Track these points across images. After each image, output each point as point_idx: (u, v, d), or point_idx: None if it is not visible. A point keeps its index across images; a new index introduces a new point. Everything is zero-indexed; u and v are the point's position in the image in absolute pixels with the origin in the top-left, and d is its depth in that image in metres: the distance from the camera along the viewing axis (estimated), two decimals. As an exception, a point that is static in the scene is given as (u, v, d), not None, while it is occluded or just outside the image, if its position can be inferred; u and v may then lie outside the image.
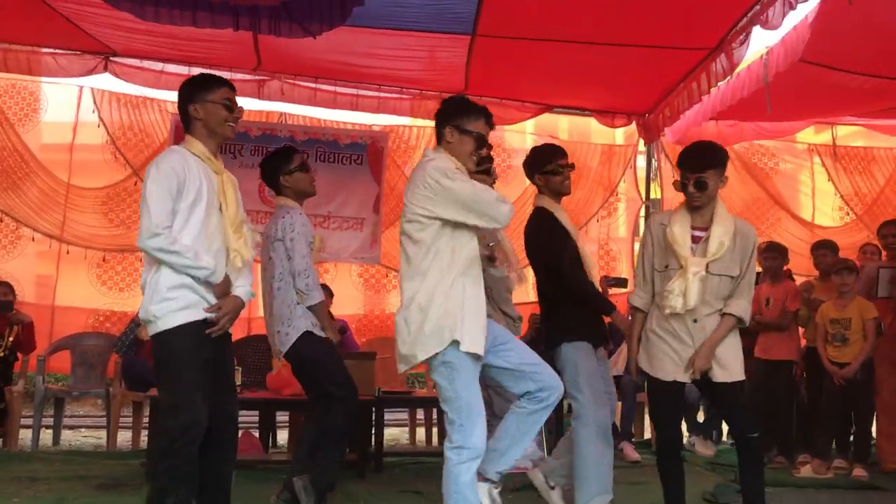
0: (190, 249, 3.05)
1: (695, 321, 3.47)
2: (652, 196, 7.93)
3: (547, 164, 4.15)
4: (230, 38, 5.54)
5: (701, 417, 6.89)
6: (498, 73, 6.47)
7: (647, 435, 6.90)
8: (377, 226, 7.36)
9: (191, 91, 3.27)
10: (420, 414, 7.17)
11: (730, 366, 3.49)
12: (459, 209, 3.18)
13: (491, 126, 3.45)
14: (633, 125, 7.51)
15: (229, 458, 3.26)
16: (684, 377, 3.49)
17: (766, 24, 4.71)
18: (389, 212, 7.40)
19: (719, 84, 5.77)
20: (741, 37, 5.15)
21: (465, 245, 3.24)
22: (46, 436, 6.44)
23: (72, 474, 4.95)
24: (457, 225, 3.21)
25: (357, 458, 5.22)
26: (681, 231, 3.52)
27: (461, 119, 3.36)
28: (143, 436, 6.21)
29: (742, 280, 3.53)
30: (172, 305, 3.06)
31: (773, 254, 6.09)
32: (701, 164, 3.53)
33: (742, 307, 3.51)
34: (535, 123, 7.83)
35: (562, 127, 8.13)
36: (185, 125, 3.29)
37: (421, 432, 7.17)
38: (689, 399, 6.44)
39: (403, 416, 7.54)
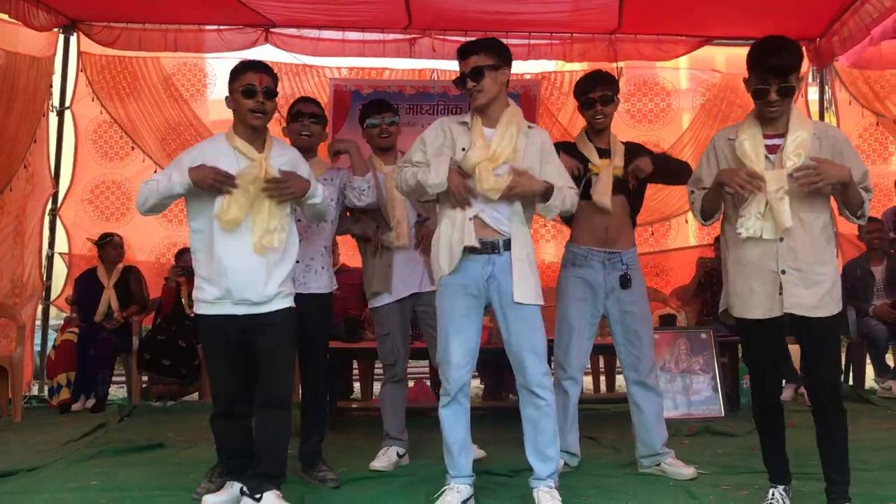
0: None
1: (781, 240, 2.96)
2: (825, 128, 7.41)
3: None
4: (382, -3, 5.63)
5: (891, 361, 6.47)
6: (653, 8, 6.23)
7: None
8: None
9: (228, 83, 3.29)
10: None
11: (821, 297, 2.96)
12: None
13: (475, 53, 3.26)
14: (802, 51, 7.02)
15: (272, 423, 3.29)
16: (778, 311, 2.97)
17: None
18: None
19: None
20: (928, -59, 4.67)
21: None
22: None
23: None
24: None
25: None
26: (752, 144, 3.00)
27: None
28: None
29: (861, 180, 2.98)
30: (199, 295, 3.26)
31: None
32: (788, 67, 2.94)
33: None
34: (690, 59, 7.50)
35: (718, 60, 7.73)
36: None
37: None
38: (878, 340, 6.07)
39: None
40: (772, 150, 3.00)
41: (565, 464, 3.84)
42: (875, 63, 6.91)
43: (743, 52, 7.94)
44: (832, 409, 2.97)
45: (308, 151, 3.98)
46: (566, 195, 3.31)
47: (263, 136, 3.30)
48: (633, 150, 3.91)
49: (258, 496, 3.15)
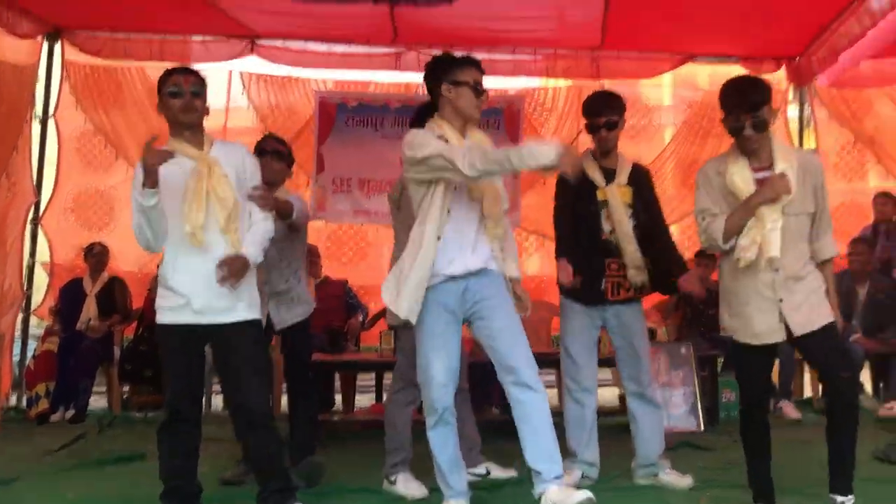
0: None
1: (777, 271, 3.16)
2: (806, 146, 7.51)
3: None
4: (368, 12, 5.66)
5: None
6: (636, 25, 6.28)
7: (808, 393, 6.63)
8: (516, 189, 7.36)
9: (157, 92, 3.32)
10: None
11: (816, 310, 3.19)
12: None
13: (481, 71, 3.37)
14: (781, 70, 7.12)
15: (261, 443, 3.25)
16: (780, 337, 3.20)
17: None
18: (527, 175, 7.36)
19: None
20: (904, -35, 4.77)
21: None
22: (217, 400, 6.89)
23: (243, 435, 5.28)
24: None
25: (503, 417, 5.28)
26: (742, 179, 3.19)
27: (453, 73, 3.32)
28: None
29: (821, 216, 3.24)
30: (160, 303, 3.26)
31: None
32: (758, 101, 3.15)
33: (831, 244, 3.28)
34: (674, 76, 7.58)
35: (701, 78, 7.82)
36: None
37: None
38: (855, 357, 6.12)
39: (551, 378, 7.55)
40: (760, 182, 3.18)
41: (584, 475, 3.90)
42: (853, 82, 7.01)
43: (727, 70, 8.10)
44: (848, 405, 3.16)
45: (270, 187, 3.92)
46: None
47: (201, 137, 3.29)
48: (638, 175, 4.02)
49: None
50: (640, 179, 4.01)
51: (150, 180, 3.03)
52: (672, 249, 4.03)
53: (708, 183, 3.32)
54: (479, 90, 3.32)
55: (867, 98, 7.42)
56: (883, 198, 6.71)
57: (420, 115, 3.57)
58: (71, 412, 5.98)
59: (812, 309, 3.17)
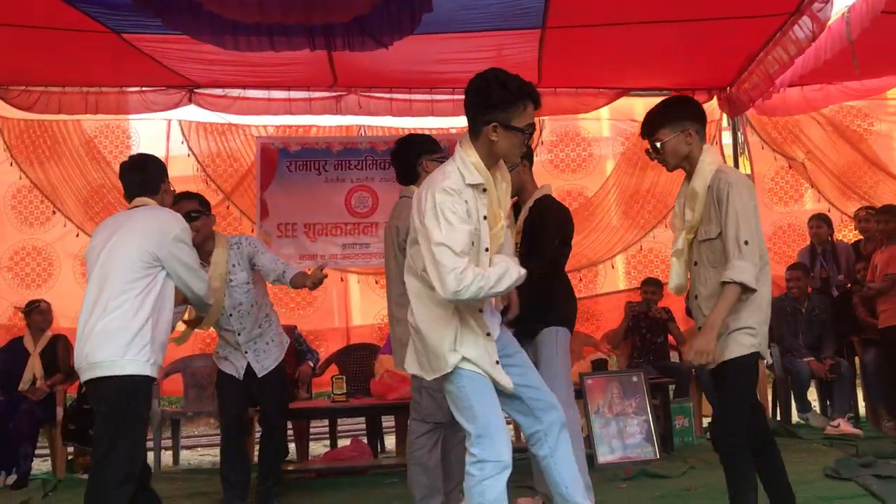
0: None
1: (696, 297, 3.13)
2: (741, 171, 7.72)
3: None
4: (306, 58, 5.68)
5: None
6: (571, 63, 6.42)
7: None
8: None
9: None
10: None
11: (719, 347, 2.97)
12: None
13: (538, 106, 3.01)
14: (714, 100, 7.34)
15: None
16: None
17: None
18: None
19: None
20: (823, -4, 4.99)
21: None
22: (167, 456, 6.72)
23: (194, 491, 5.16)
24: None
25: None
26: (678, 205, 3.24)
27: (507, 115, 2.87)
28: (255, 451, 6.41)
29: (725, 236, 2.94)
30: None
31: (887, 216, 5.85)
32: (649, 129, 3.23)
33: (739, 269, 2.87)
34: (611, 109, 7.74)
35: (638, 110, 8.01)
36: None
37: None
38: (801, 377, 6.25)
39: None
40: None
41: None
42: (780, 109, 7.26)
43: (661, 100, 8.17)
44: (721, 448, 3.03)
45: (205, 241, 4.20)
46: None
47: None
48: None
49: None
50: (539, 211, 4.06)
51: None
52: None
53: None
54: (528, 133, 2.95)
55: (797, 124, 7.68)
56: (817, 220, 6.91)
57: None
58: (13, 478, 5.75)
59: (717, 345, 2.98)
